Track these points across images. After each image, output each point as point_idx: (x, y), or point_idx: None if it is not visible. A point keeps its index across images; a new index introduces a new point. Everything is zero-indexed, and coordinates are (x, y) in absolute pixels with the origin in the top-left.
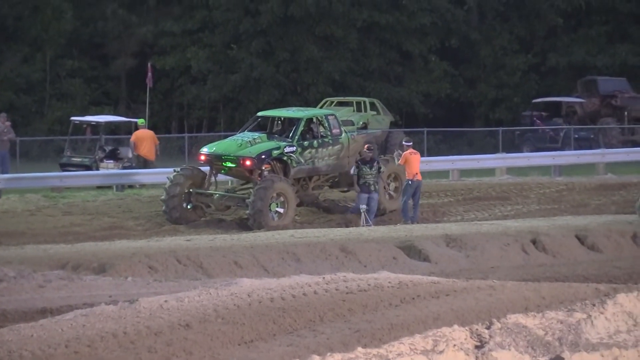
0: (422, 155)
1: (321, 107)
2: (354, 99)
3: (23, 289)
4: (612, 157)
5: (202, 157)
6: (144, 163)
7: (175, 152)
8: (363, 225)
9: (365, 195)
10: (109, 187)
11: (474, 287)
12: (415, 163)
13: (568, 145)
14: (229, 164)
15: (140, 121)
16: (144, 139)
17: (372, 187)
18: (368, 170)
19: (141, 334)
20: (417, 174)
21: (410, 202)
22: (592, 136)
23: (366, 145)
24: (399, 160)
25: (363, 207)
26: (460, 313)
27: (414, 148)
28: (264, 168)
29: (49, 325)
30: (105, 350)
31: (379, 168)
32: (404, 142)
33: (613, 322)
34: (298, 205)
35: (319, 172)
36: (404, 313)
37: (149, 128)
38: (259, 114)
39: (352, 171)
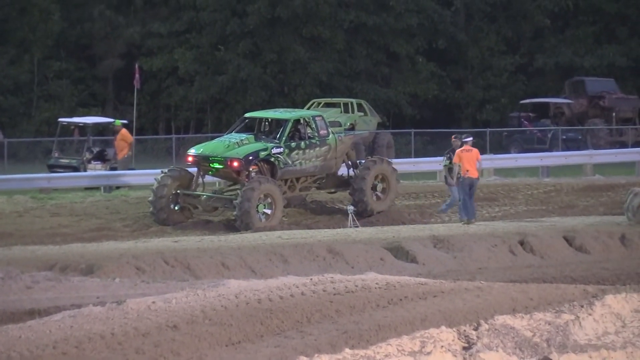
0: (409, 156)
1: (308, 109)
2: (341, 100)
3: (11, 290)
4: (600, 159)
5: (190, 159)
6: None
7: (162, 153)
8: (350, 226)
9: (454, 188)
10: (97, 189)
11: (462, 289)
12: (469, 160)
13: (556, 146)
14: (217, 165)
15: (116, 122)
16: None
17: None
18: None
19: (129, 335)
20: (468, 170)
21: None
22: (580, 137)
23: (453, 136)
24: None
25: (350, 208)
26: (448, 314)
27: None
28: (251, 169)
29: (37, 327)
30: (93, 352)
31: (450, 159)
32: (463, 139)
33: (601, 324)
34: (285, 206)
35: (306, 173)
36: (392, 314)
37: (137, 129)
38: (247, 115)
39: (442, 163)
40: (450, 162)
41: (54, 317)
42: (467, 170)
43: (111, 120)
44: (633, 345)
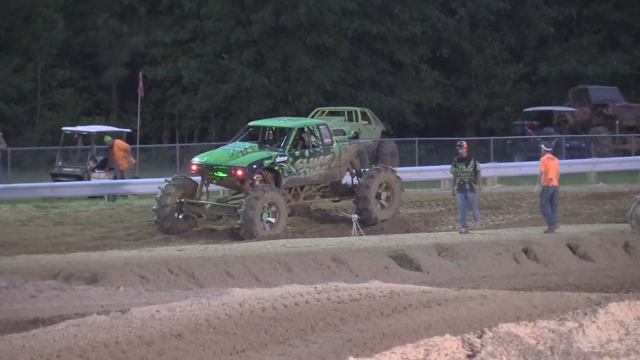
0: (413, 165)
1: (312, 117)
2: (346, 109)
3: (15, 299)
4: (604, 166)
5: (194, 167)
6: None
7: (166, 161)
8: (354, 235)
9: (462, 195)
10: (101, 197)
11: (466, 297)
12: (553, 169)
13: (560, 154)
14: (221, 174)
15: (106, 138)
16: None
17: (467, 186)
18: (463, 167)
19: (133, 344)
20: (552, 179)
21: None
22: (583, 145)
23: (464, 144)
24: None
25: (355, 216)
26: (452, 322)
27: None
28: (255, 178)
29: (40, 336)
30: None
31: (475, 166)
32: (543, 147)
33: (605, 331)
34: (289, 214)
35: (310, 182)
36: (396, 322)
37: (141, 138)
38: (251, 123)
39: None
40: (462, 168)
41: (57, 326)
42: (551, 179)
43: (116, 129)
44: (637, 352)
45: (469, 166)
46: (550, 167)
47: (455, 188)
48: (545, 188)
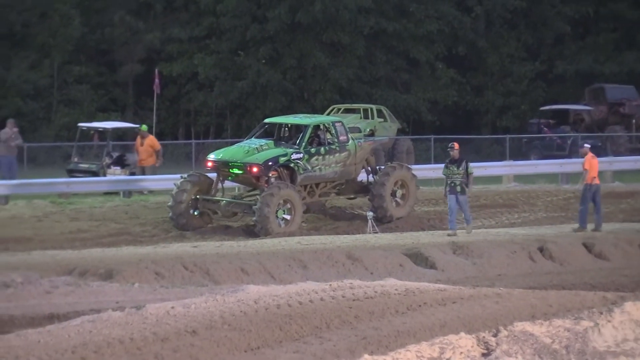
0: (428, 162)
1: (328, 114)
2: (361, 106)
3: (30, 295)
4: (620, 165)
5: (209, 164)
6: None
7: (182, 158)
8: (370, 232)
9: (453, 197)
10: (116, 193)
11: (481, 295)
12: (596, 167)
13: (576, 153)
14: (236, 171)
15: (143, 127)
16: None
17: (458, 188)
18: (455, 169)
19: (148, 340)
20: (595, 177)
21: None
22: (599, 144)
23: (455, 145)
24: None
25: (370, 214)
26: (467, 320)
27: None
28: (270, 175)
29: (56, 331)
30: (112, 357)
31: (467, 168)
32: (586, 146)
33: (620, 331)
34: (305, 212)
35: (325, 179)
36: (411, 320)
37: (156, 134)
38: (266, 120)
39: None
40: (453, 170)
41: (73, 322)
42: (594, 177)
43: (131, 125)
44: None
45: (461, 168)
46: (594, 165)
47: (447, 190)
48: (588, 186)
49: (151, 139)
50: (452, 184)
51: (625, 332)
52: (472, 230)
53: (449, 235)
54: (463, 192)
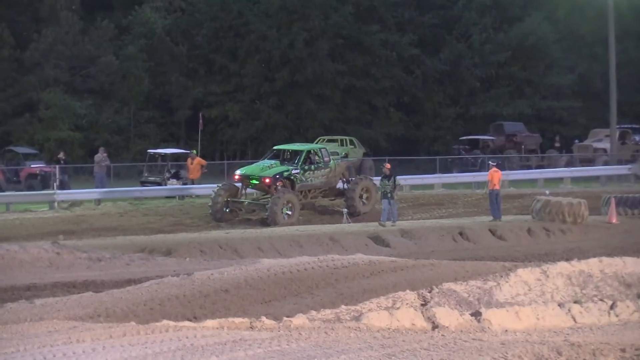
0: None
1: (316, 143)
2: (339, 137)
3: (115, 266)
4: (514, 176)
5: (236, 177)
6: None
7: (218, 173)
8: (344, 223)
9: (385, 200)
10: (173, 197)
11: (420, 265)
12: (496, 178)
13: (483, 168)
14: (254, 182)
15: (193, 152)
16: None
17: (388, 195)
18: (387, 182)
19: (195, 296)
20: (495, 185)
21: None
22: (499, 162)
23: (387, 165)
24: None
25: (345, 210)
26: (411, 282)
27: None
28: (278, 184)
29: (133, 290)
30: (170, 307)
31: (395, 180)
32: (490, 163)
33: (514, 288)
34: (301, 209)
35: (315, 187)
36: (373, 282)
37: (200, 157)
38: (275, 147)
39: (377, 185)
40: (385, 182)
41: (144, 284)
42: (495, 185)
43: (184, 151)
44: (536, 302)
45: (390, 181)
46: (494, 176)
47: (381, 195)
48: (491, 191)
49: (198, 160)
50: (385, 192)
51: (517, 289)
52: (396, 223)
53: (379, 224)
54: (392, 197)
